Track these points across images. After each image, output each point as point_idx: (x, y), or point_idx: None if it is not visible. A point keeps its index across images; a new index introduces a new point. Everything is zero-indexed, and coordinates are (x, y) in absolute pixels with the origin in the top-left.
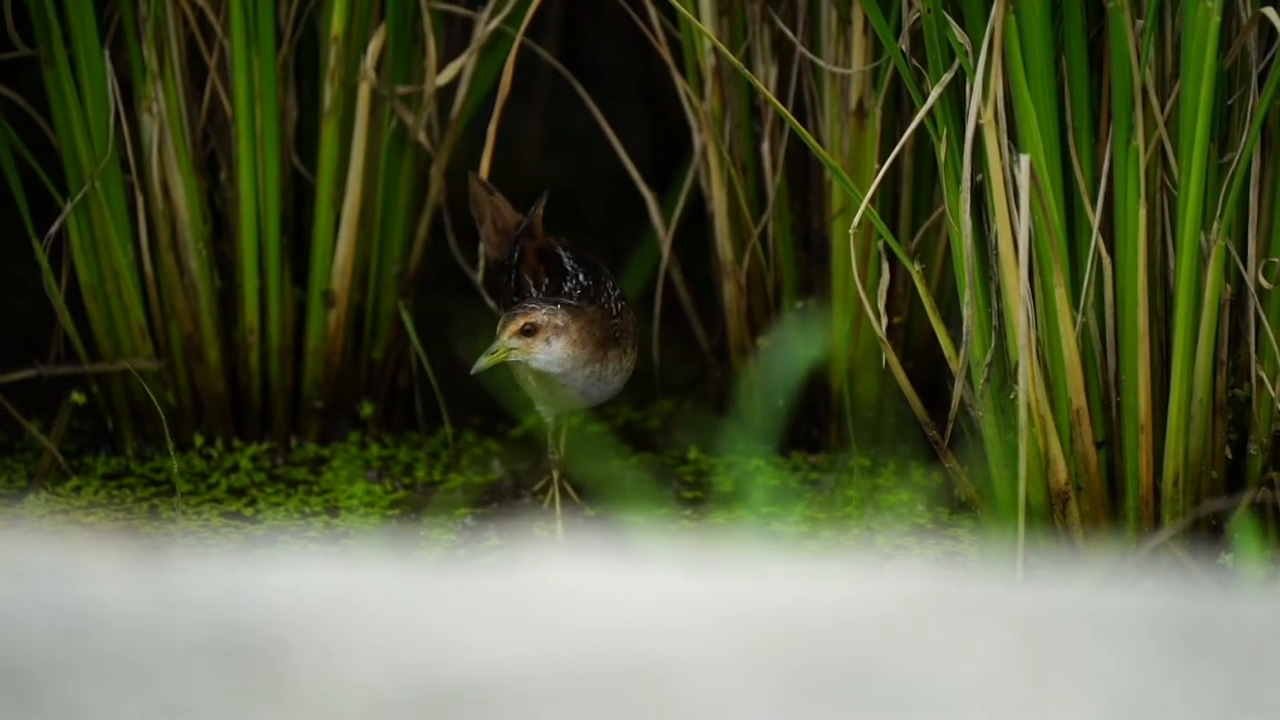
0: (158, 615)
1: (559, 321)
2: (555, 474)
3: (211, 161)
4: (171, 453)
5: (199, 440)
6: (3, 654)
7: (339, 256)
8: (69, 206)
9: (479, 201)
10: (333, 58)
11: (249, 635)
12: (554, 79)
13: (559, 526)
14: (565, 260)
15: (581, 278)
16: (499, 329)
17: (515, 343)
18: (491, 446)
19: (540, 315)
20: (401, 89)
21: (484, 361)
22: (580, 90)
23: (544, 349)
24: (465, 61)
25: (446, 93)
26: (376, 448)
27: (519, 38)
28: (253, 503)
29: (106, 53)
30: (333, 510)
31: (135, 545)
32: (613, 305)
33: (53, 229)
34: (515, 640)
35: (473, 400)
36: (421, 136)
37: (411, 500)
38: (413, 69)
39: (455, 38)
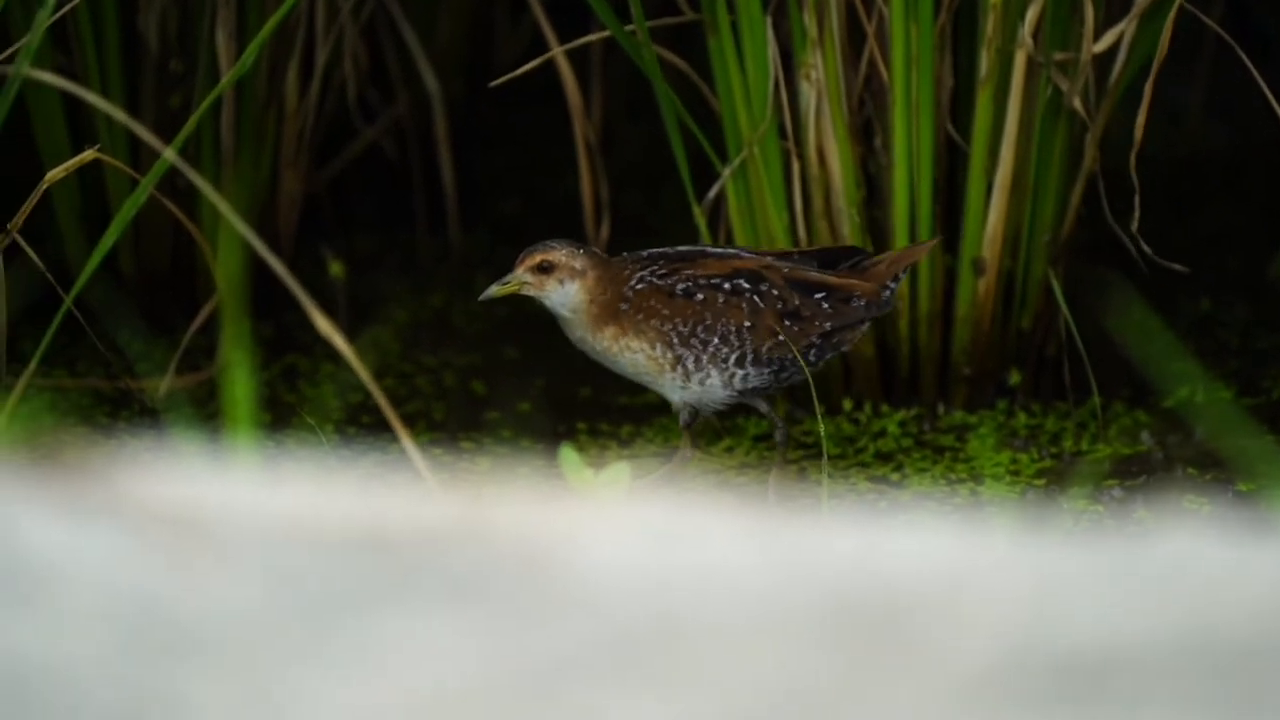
0: (784, 578)
1: (578, 265)
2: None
3: (866, 128)
4: (820, 416)
5: (848, 404)
6: (647, 612)
7: (990, 224)
8: (728, 171)
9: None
10: (990, 25)
11: (869, 601)
12: (1218, 46)
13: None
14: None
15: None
16: (517, 261)
17: (529, 277)
18: (1141, 417)
19: (559, 255)
20: (1058, 56)
21: (493, 290)
22: (1244, 58)
23: (557, 289)
24: (1125, 27)
25: (1104, 60)
26: (1023, 416)
27: (1178, 2)
28: (899, 468)
29: (768, 20)
30: (977, 478)
31: (776, 506)
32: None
33: (711, 192)
34: (1137, 614)
35: (1122, 370)
36: (1077, 104)
37: (1057, 470)
38: (1070, 35)
39: (1115, 4)
